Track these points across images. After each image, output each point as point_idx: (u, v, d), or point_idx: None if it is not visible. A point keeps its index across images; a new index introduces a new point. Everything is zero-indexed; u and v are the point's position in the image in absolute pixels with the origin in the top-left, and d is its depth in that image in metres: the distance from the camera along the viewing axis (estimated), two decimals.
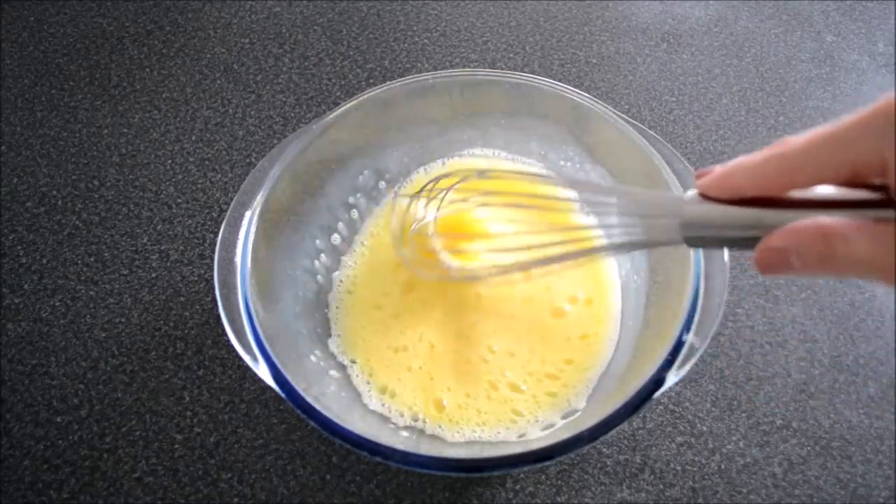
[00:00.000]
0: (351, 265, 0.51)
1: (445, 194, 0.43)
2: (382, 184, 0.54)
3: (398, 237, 0.48)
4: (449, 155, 0.55)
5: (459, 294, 0.49)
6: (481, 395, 0.45)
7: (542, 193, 0.42)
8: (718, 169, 0.27)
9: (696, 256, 0.40)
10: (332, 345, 0.47)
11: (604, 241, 0.36)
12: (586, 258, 0.39)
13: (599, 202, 0.35)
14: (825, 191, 0.25)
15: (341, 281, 0.50)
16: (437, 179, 0.43)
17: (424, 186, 0.44)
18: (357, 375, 0.46)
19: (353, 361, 0.47)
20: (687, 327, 0.38)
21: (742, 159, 0.26)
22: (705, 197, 0.27)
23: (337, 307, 0.49)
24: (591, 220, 0.51)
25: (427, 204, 0.45)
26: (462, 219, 0.49)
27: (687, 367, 0.37)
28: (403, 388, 0.45)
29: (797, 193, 0.25)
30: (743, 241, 0.27)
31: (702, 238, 0.28)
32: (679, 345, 0.37)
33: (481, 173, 0.40)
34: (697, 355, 0.37)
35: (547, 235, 0.40)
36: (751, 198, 0.26)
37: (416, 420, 0.44)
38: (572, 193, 0.42)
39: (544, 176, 0.40)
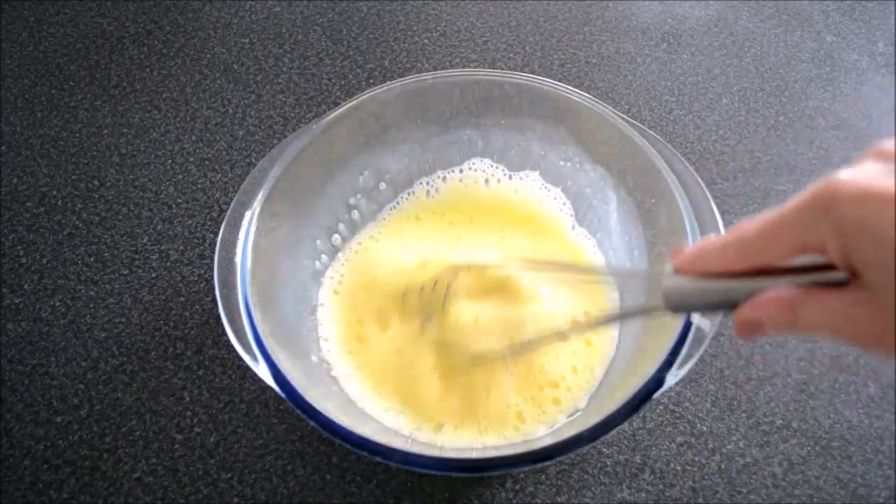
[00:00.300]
0: (338, 282, 0.51)
1: (443, 298, 0.46)
2: (383, 185, 0.54)
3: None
4: (449, 161, 0.55)
5: (457, 316, 0.48)
6: (480, 412, 0.44)
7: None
8: (689, 251, 0.30)
9: None
10: (325, 354, 0.47)
11: (601, 314, 0.39)
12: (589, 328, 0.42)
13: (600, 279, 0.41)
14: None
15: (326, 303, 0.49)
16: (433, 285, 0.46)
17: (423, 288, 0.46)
18: (354, 390, 0.46)
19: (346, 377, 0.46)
20: (687, 327, 0.38)
21: (707, 244, 0.29)
22: (682, 273, 0.31)
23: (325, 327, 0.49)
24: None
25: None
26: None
27: (687, 367, 0.37)
28: (397, 407, 0.45)
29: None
30: (718, 307, 0.30)
31: (682, 305, 0.31)
32: (679, 344, 0.37)
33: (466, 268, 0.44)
34: (697, 355, 0.37)
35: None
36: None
37: (417, 430, 0.44)
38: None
39: (539, 266, 0.45)
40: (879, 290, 0.23)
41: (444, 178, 0.55)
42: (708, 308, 0.31)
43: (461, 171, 0.55)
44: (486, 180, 0.55)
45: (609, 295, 0.48)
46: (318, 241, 0.50)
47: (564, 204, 0.54)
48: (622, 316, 0.38)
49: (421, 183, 0.55)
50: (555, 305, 0.47)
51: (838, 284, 0.25)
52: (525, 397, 0.45)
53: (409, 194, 0.55)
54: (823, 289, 0.25)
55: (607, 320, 0.39)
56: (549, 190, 0.54)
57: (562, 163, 0.53)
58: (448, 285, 0.46)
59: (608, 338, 0.48)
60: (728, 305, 0.29)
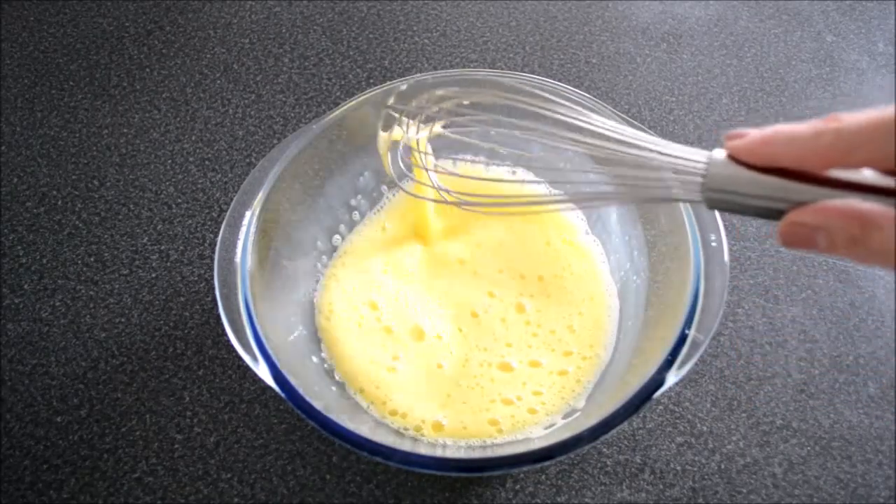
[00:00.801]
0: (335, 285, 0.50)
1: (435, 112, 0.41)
2: (384, 187, 0.54)
3: (385, 154, 0.46)
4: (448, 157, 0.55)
5: (457, 305, 0.49)
6: (481, 410, 0.44)
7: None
8: (755, 133, 0.26)
9: (695, 257, 0.40)
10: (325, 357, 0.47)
11: (618, 189, 0.33)
12: (591, 203, 0.36)
13: (616, 150, 0.32)
14: (862, 174, 0.24)
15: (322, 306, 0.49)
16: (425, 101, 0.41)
17: (412, 101, 0.42)
18: (352, 394, 0.46)
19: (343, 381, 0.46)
20: (687, 327, 0.38)
21: (785, 128, 0.25)
22: (734, 160, 0.26)
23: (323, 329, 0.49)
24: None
25: (415, 122, 0.43)
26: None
27: (687, 367, 0.37)
28: (398, 406, 0.45)
29: (834, 172, 0.25)
30: (767, 211, 0.26)
31: (725, 202, 0.27)
32: (679, 344, 0.37)
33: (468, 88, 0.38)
34: (697, 355, 0.37)
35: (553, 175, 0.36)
36: (782, 168, 0.25)
37: (417, 430, 0.44)
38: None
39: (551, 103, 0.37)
40: None
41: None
42: (755, 211, 0.26)
43: (454, 162, 0.55)
44: (487, 165, 0.55)
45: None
46: (319, 242, 0.50)
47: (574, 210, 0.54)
48: (646, 199, 0.32)
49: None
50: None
51: None
52: (525, 395, 0.45)
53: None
54: None
55: (627, 197, 0.33)
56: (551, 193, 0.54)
57: (561, 164, 0.53)
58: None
59: (604, 344, 0.48)
60: (779, 211, 0.25)
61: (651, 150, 0.30)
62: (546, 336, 0.47)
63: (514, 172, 0.55)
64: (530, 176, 0.54)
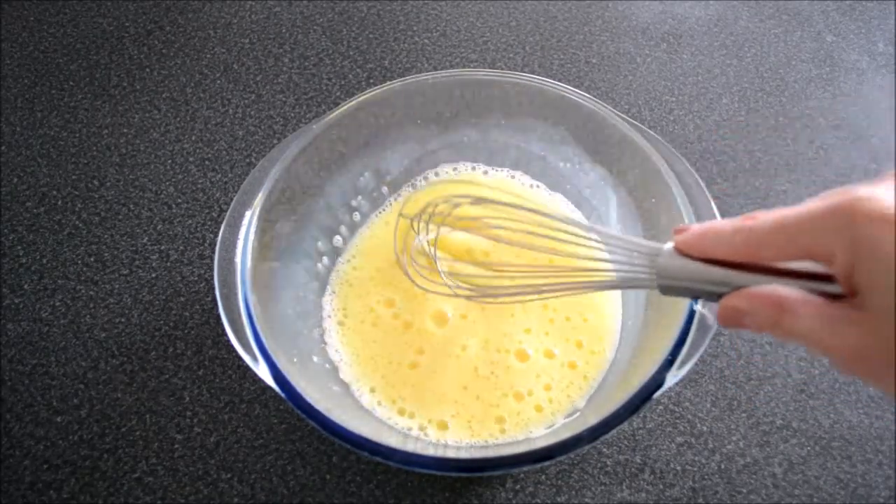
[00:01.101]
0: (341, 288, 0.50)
1: (444, 216, 0.44)
2: (385, 189, 0.54)
3: (401, 255, 0.48)
4: (448, 161, 0.55)
5: (457, 309, 0.48)
6: (491, 406, 0.44)
7: (543, 223, 0.43)
8: (695, 228, 0.30)
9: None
10: (332, 355, 0.47)
11: (592, 279, 0.38)
12: (575, 291, 0.41)
13: (586, 242, 0.40)
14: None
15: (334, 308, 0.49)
16: (436, 204, 0.44)
17: (424, 209, 0.44)
18: (358, 395, 0.46)
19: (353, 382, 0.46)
20: (687, 327, 0.38)
21: (715, 225, 0.29)
22: (681, 252, 0.31)
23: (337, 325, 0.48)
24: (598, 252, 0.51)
25: (426, 224, 0.45)
26: (457, 240, 0.49)
27: (687, 367, 0.37)
28: (405, 405, 0.45)
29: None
30: (710, 295, 0.30)
31: (675, 288, 0.31)
32: (679, 344, 0.37)
33: (476, 200, 0.42)
34: (697, 355, 0.37)
35: (537, 270, 0.42)
36: (718, 259, 0.29)
37: (422, 430, 0.44)
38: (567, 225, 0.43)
39: (534, 210, 0.42)
40: (878, 313, 0.23)
41: (437, 174, 0.55)
42: (699, 294, 0.31)
43: (455, 168, 0.55)
44: (486, 172, 0.55)
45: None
46: (320, 242, 0.50)
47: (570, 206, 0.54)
48: (613, 285, 0.38)
49: (419, 183, 0.55)
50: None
51: (831, 296, 0.25)
52: (536, 389, 0.45)
53: (406, 191, 0.55)
54: (812, 299, 0.25)
55: (593, 287, 0.38)
56: (553, 196, 0.54)
57: (561, 164, 0.53)
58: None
59: (608, 339, 0.48)
60: (719, 295, 0.29)
61: (614, 242, 0.35)
62: (562, 323, 0.47)
63: (512, 177, 0.55)
64: (529, 180, 0.55)
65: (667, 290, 0.32)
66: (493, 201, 0.43)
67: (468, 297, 0.45)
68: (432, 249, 0.47)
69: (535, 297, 0.42)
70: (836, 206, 0.24)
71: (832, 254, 0.24)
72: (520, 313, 0.48)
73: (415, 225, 0.46)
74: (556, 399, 0.45)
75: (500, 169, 0.55)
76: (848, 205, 0.24)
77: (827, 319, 0.25)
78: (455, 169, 0.55)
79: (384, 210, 0.54)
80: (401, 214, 0.48)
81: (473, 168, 0.55)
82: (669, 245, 0.32)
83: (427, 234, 0.47)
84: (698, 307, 0.38)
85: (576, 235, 0.40)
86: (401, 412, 0.44)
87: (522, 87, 0.50)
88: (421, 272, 0.46)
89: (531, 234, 0.40)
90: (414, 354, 0.46)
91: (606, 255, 0.37)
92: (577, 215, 0.53)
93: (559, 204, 0.54)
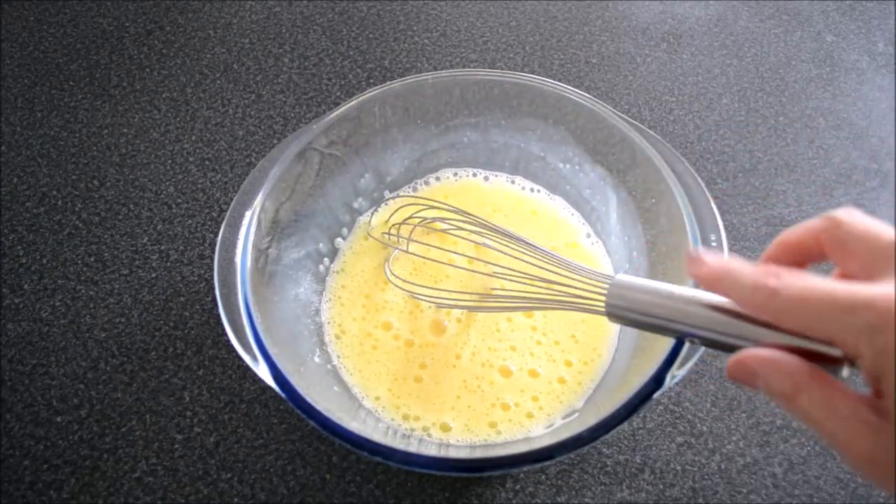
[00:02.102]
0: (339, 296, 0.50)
1: (410, 231, 0.50)
2: (386, 190, 0.54)
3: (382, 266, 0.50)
4: (449, 162, 0.55)
5: (453, 314, 0.49)
6: (482, 415, 0.44)
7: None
8: (713, 266, 0.28)
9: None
10: (333, 358, 0.47)
11: (541, 296, 0.41)
12: (520, 305, 0.45)
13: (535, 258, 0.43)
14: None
15: (331, 321, 0.49)
16: (398, 225, 0.50)
17: (389, 230, 0.50)
18: (363, 400, 0.46)
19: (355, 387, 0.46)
20: None
21: (733, 271, 0.27)
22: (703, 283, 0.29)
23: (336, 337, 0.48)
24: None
25: (396, 239, 0.50)
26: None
27: (687, 367, 0.37)
28: (409, 411, 0.45)
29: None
30: (720, 345, 0.29)
31: (628, 319, 0.33)
32: (679, 344, 0.37)
33: (423, 222, 0.48)
34: (697, 355, 0.37)
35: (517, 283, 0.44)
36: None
37: (425, 431, 0.44)
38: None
39: (497, 233, 0.47)
40: None
41: (438, 178, 0.55)
42: (705, 341, 0.30)
43: (456, 174, 0.55)
44: (487, 177, 0.55)
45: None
46: (320, 243, 0.50)
47: (569, 210, 0.54)
48: (556, 306, 0.40)
49: (419, 186, 0.55)
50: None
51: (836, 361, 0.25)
52: (523, 402, 0.45)
53: (406, 192, 0.55)
54: (833, 384, 0.24)
55: (538, 304, 0.40)
56: (553, 199, 0.54)
57: (561, 165, 0.53)
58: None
59: (607, 345, 0.48)
60: (734, 347, 0.28)
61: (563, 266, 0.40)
62: (549, 346, 0.47)
63: (512, 182, 0.55)
64: (529, 184, 0.55)
65: (616, 318, 0.33)
66: (441, 219, 0.50)
67: (450, 307, 0.47)
68: (391, 272, 0.49)
69: (496, 308, 0.44)
70: (872, 302, 0.23)
71: (860, 352, 0.23)
72: (505, 329, 0.47)
73: (388, 239, 0.50)
74: (546, 406, 0.45)
75: (499, 174, 0.55)
76: (885, 308, 0.22)
77: (842, 412, 0.23)
78: (456, 174, 0.55)
79: (377, 212, 0.54)
80: (368, 234, 0.52)
81: (475, 174, 0.55)
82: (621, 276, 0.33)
83: (401, 246, 0.50)
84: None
85: (524, 251, 0.43)
86: (405, 417, 0.44)
87: (522, 87, 0.50)
88: (404, 286, 0.48)
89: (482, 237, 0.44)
90: (418, 369, 0.46)
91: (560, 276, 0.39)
92: (577, 217, 0.53)
93: (559, 208, 0.54)
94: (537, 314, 0.48)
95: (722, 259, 0.28)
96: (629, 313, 0.32)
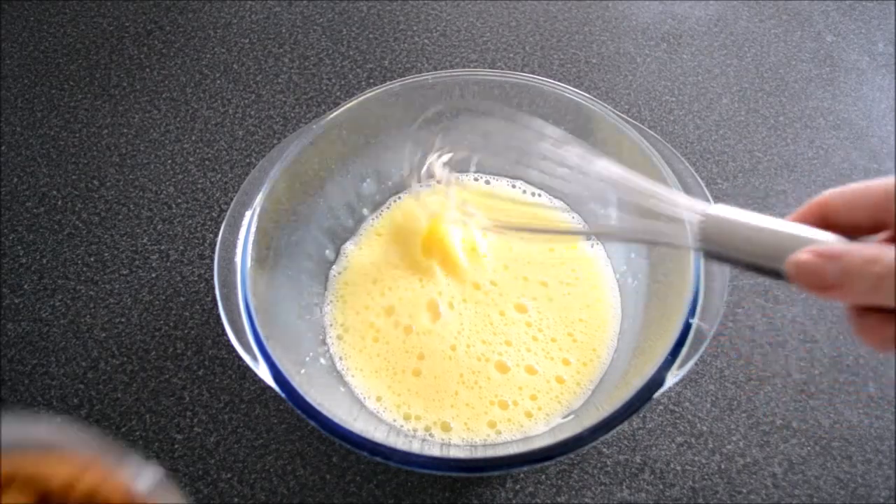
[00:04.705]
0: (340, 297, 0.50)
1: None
2: (386, 192, 0.54)
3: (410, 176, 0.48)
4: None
5: (444, 297, 0.49)
6: (480, 414, 0.44)
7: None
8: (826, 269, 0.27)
9: (695, 257, 0.40)
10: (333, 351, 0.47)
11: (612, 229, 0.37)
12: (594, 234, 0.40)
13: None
14: None
15: (333, 321, 0.49)
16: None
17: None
18: (365, 401, 0.46)
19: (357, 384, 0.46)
20: (686, 327, 0.38)
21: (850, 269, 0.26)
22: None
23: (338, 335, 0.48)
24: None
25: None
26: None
27: (687, 367, 0.37)
28: (410, 410, 0.45)
29: None
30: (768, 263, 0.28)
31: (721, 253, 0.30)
32: (679, 345, 0.37)
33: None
34: (697, 355, 0.37)
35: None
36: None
37: (427, 431, 0.44)
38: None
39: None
40: None
41: (440, 182, 0.55)
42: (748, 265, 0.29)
43: (457, 178, 0.55)
44: (488, 181, 0.55)
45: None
46: (321, 244, 0.50)
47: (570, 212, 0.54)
48: (629, 238, 0.36)
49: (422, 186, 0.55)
50: None
51: None
52: (521, 400, 0.45)
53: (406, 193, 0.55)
54: None
55: (615, 235, 0.36)
56: (554, 202, 0.54)
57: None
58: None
59: (606, 346, 0.48)
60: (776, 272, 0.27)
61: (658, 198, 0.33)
62: (546, 343, 0.47)
63: (514, 185, 0.55)
64: (531, 188, 0.55)
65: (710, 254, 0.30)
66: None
67: (479, 226, 0.44)
68: (448, 174, 0.45)
69: (545, 234, 0.40)
70: None
71: None
72: (498, 322, 0.47)
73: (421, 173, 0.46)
74: (545, 406, 0.45)
75: (500, 178, 0.55)
76: None
77: None
78: (457, 178, 0.55)
79: (381, 214, 0.54)
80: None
81: (476, 179, 0.55)
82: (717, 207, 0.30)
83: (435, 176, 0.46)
84: (694, 322, 0.38)
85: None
86: (406, 417, 0.44)
87: (522, 87, 0.50)
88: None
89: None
90: (416, 361, 0.46)
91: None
92: (577, 219, 0.53)
93: (560, 212, 0.54)
94: (530, 309, 0.48)
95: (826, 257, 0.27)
96: (727, 251, 0.30)
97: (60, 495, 0.24)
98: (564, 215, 0.54)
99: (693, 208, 0.31)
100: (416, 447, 0.42)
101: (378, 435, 0.38)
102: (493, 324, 0.47)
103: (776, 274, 0.28)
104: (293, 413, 0.48)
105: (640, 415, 0.48)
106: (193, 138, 0.63)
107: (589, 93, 0.50)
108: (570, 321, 0.48)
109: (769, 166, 0.62)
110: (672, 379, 0.37)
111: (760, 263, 0.29)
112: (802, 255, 0.26)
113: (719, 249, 0.30)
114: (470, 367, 0.46)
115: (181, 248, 0.56)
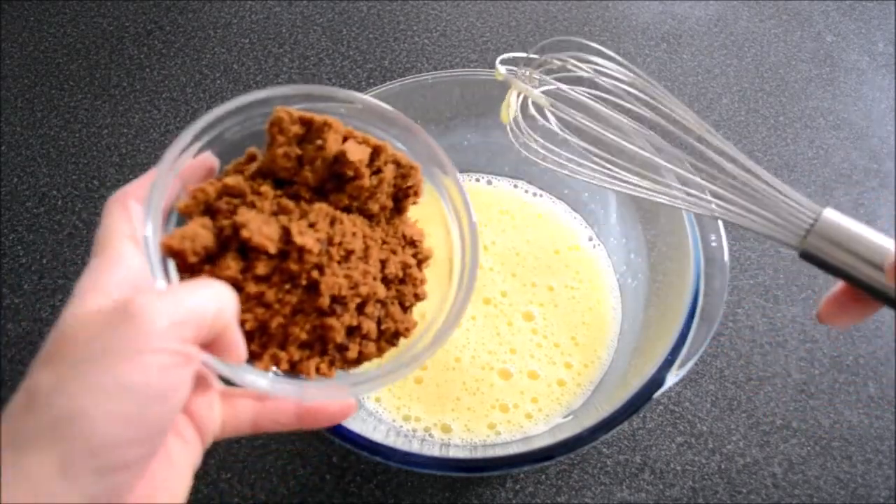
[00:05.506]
0: None
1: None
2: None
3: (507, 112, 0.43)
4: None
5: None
6: (481, 417, 0.44)
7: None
8: None
9: (695, 256, 0.40)
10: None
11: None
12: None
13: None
14: None
15: None
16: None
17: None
18: (364, 401, 0.46)
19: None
20: (687, 328, 0.38)
21: None
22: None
23: None
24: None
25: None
26: None
27: (687, 367, 0.37)
28: (410, 413, 0.45)
29: None
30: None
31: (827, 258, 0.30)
32: (679, 344, 0.37)
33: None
34: (697, 355, 0.37)
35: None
36: None
37: (426, 431, 0.44)
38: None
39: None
40: None
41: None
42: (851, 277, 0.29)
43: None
44: (490, 181, 0.55)
45: None
46: None
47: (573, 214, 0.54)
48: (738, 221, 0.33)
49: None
50: None
51: None
52: (522, 403, 0.45)
53: None
54: None
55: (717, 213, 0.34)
56: (555, 203, 0.54)
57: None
58: None
59: (606, 346, 0.48)
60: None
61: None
62: (550, 348, 0.47)
63: (515, 186, 0.55)
64: (533, 188, 0.54)
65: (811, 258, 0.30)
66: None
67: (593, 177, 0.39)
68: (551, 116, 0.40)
69: (640, 190, 0.36)
70: None
71: None
72: (505, 332, 0.47)
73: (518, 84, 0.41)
74: (545, 408, 0.45)
75: (501, 178, 0.55)
76: None
77: None
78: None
79: None
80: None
81: (477, 180, 0.55)
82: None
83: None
84: (691, 331, 0.37)
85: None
86: (406, 418, 0.44)
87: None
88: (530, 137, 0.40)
89: None
90: (419, 371, 0.46)
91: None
92: (579, 220, 0.53)
93: (561, 212, 0.54)
94: (537, 316, 0.48)
95: None
96: (832, 259, 0.30)
97: None
98: (566, 215, 0.54)
99: (810, 207, 0.31)
100: (415, 447, 0.42)
101: (378, 435, 0.38)
102: (499, 334, 0.47)
103: (870, 287, 0.29)
104: None
105: (640, 415, 0.48)
106: None
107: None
108: (574, 325, 0.48)
109: (769, 166, 0.62)
110: (672, 379, 0.37)
111: (861, 269, 0.29)
112: None
113: (824, 252, 0.30)
114: (473, 375, 0.46)
115: None
